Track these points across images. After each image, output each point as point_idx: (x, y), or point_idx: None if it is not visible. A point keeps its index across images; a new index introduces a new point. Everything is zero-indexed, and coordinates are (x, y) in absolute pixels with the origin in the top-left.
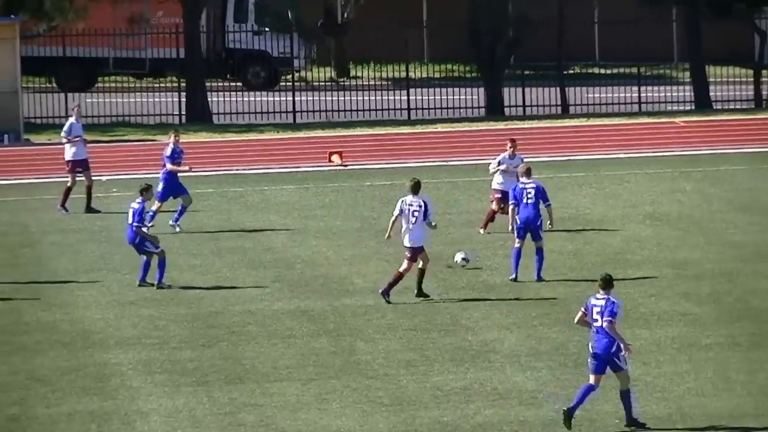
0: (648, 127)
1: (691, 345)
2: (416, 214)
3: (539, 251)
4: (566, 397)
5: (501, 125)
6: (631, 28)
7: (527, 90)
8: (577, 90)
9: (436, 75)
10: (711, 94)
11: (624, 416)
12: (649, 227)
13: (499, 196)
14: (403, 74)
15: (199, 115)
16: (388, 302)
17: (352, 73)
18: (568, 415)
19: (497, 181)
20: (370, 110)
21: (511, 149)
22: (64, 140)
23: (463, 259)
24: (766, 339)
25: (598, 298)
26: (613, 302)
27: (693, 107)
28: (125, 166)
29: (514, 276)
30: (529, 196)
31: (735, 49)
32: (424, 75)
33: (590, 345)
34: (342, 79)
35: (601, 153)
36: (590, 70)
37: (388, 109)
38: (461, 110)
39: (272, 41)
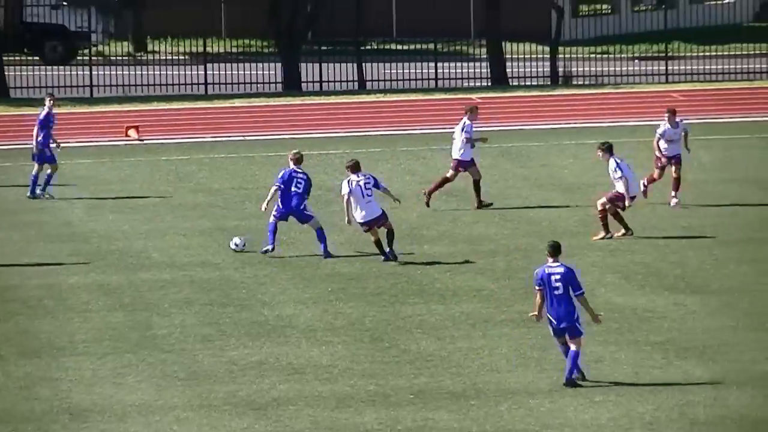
0: (445, 103)
1: (486, 321)
2: (368, 187)
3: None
4: (361, 372)
5: (298, 100)
6: (428, 4)
7: (324, 65)
8: (375, 66)
9: (234, 50)
10: (508, 70)
11: (565, 374)
12: (444, 202)
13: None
14: (201, 49)
15: None
16: (394, 259)
17: (150, 47)
18: (572, 384)
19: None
20: (167, 85)
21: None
22: None
23: (236, 245)
24: None
25: (551, 266)
26: (572, 270)
27: (490, 83)
28: None
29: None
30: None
31: (531, 26)
32: (222, 50)
33: (549, 314)
34: (139, 54)
35: (398, 129)
36: (388, 46)
37: (186, 84)
38: (258, 85)
39: (70, 15)
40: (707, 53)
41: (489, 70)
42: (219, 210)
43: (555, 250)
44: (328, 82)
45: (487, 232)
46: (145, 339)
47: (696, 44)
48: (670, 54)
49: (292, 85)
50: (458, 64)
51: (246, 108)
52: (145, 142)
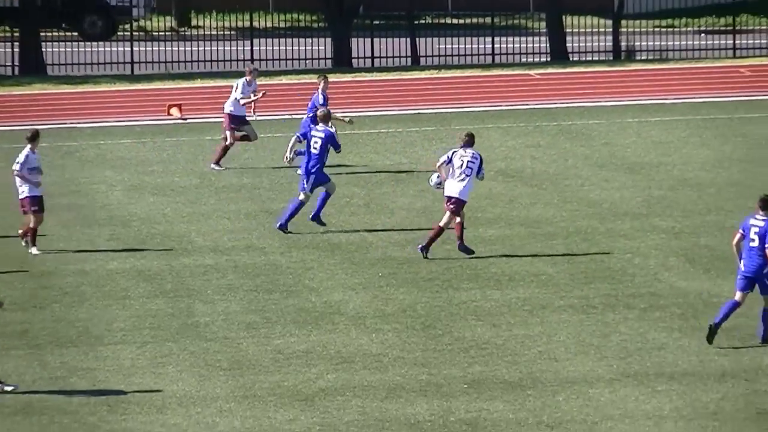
0: (502, 79)
1: (543, 307)
2: (471, 165)
3: None
4: (412, 361)
5: (348, 77)
6: None
7: (376, 41)
8: (429, 41)
9: (281, 24)
10: (568, 45)
11: (762, 333)
12: (501, 183)
13: None
14: (247, 24)
15: (32, 67)
16: (426, 257)
17: (194, 22)
18: (714, 330)
19: None
20: (212, 61)
21: None
22: None
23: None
24: (621, 300)
25: (757, 218)
26: None
27: (549, 59)
28: None
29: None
30: None
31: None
32: (269, 25)
33: (741, 263)
34: (183, 29)
35: (453, 106)
36: (442, 20)
37: (231, 60)
38: (307, 61)
39: None
40: None
41: (548, 45)
42: (264, 192)
43: (765, 203)
44: (380, 57)
45: (545, 214)
46: (186, 327)
47: (766, 17)
48: (738, 27)
49: (342, 61)
50: (516, 38)
51: (294, 85)
52: (188, 121)
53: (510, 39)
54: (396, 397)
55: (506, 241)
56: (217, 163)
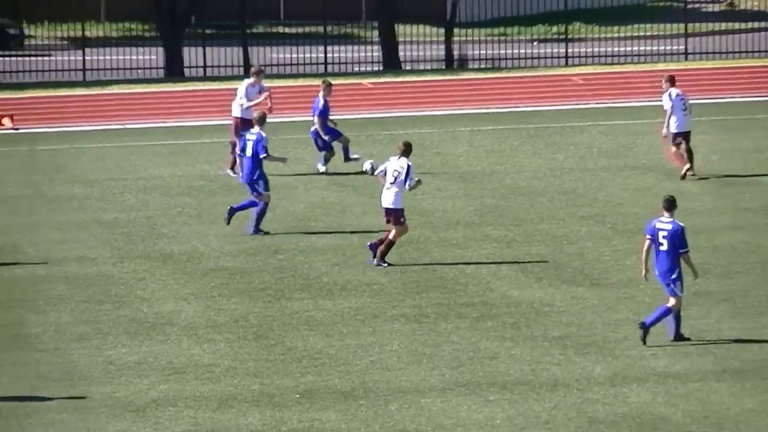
0: (335, 88)
1: (376, 316)
2: (396, 175)
3: None
4: (244, 371)
5: (180, 86)
6: None
7: (208, 50)
8: (261, 50)
9: (113, 34)
10: (400, 54)
11: (672, 332)
12: (334, 193)
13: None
14: (79, 33)
15: None
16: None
17: (25, 32)
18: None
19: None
20: (43, 71)
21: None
22: None
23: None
24: (453, 310)
25: (663, 221)
26: (681, 227)
27: (382, 68)
28: None
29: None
30: None
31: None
32: (101, 34)
33: (654, 269)
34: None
35: (284, 116)
36: (275, 29)
37: (63, 70)
38: (139, 71)
39: None
40: (608, 35)
41: (381, 54)
42: (96, 202)
43: (671, 205)
44: (213, 67)
45: (377, 223)
46: (17, 338)
47: (597, 25)
48: (570, 36)
49: (174, 71)
50: (349, 47)
51: (126, 95)
52: (19, 131)
53: (343, 48)
54: (228, 407)
55: (338, 250)
56: (232, 168)
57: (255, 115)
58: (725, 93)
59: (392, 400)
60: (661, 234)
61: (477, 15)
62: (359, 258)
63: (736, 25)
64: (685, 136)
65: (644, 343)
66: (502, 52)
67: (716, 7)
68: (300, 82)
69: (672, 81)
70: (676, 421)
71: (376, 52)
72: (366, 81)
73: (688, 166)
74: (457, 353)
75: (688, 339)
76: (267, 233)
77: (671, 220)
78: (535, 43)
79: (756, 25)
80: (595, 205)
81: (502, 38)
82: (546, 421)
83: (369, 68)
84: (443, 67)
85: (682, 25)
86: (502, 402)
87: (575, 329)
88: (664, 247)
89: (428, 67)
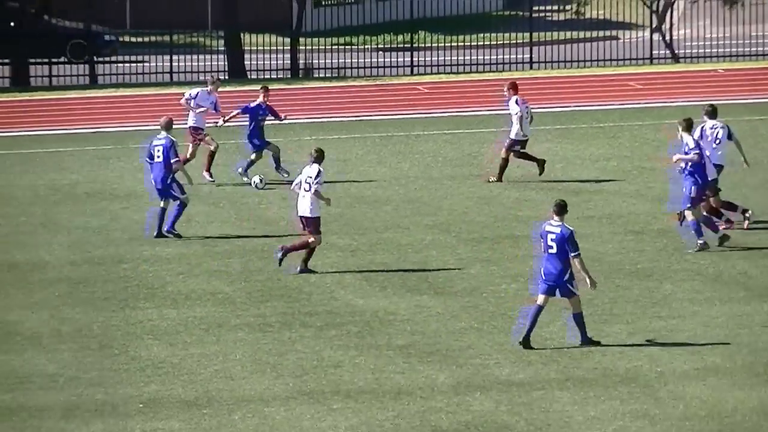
0: (180, 97)
1: (220, 325)
2: (309, 181)
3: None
4: (88, 381)
5: (25, 96)
6: None
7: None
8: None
9: None
10: (246, 63)
11: (580, 337)
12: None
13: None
14: None
15: None
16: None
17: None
18: (526, 339)
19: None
20: None
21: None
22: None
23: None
24: (297, 319)
25: (552, 225)
26: (570, 231)
27: (227, 77)
28: None
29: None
30: None
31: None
32: None
33: (542, 270)
34: None
35: (130, 125)
36: (121, 39)
37: None
38: None
39: None
40: (454, 44)
41: (227, 63)
42: None
43: (561, 209)
44: (59, 77)
45: (222, 232)
46: None
47: (443, 34)
48: (415, 45)
49: (19, 81)
50: (195, 57)
51: None
52: None
53: (189, 57)
54: (72, 416)
55: (183, 259)
56: (208, 171)
57: (162, 120)
58: (570, 101)
59: (236, 409)
60: (549, 237)
61: (322, 24)
62: (204, 267)
63: (582, 34)
64: (522, 144)
65: (526, 348)
66: (348, 60)
67: (561, 16)
68: (145, 91)
69: (515, 88)
70: (519, 429)
71: (222, 61)
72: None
73: (494, 178)
74: (301, 362)
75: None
76: (180, 236)
77: (560, 223)
78: (380, 52)
79: (601, 33)
80: (439, 213)
81: (348, 47)
82: (389, 430)
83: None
84: (289, 75)
85: (527, 34)
86: (345, 411)
87: (419, 338)
88: (553, 250)
89: (274, 76)
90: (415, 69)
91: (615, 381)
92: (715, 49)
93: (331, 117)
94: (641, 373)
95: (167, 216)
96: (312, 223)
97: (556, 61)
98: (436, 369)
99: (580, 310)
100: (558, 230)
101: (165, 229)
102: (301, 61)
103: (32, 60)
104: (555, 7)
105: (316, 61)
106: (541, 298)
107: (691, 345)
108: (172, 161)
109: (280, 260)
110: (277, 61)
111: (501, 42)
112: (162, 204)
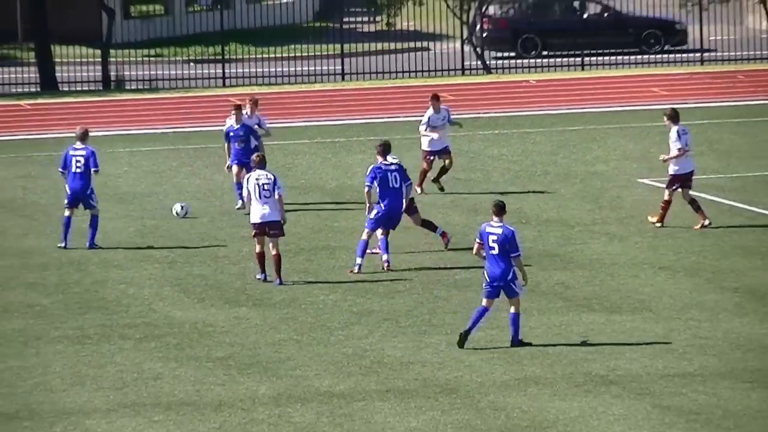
0: None
1: (38, 338)
2: (269, 188)
3: None
4: None
5: None
6: None
7: None
8: None
9: None
10: (57, 74)
11: (511, 337)
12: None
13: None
14: None
15: None
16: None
17: None
18: (465, 336)
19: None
20: None
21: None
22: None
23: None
24: (116, 331)
25: (493, 226)
26: (512, 231)
27: (39, 89)
28: None
29: None
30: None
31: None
32: None
33: (485, 273)
34: None
35: None
36: None
37: None
38: None
39: None
40: (266, 55)
41: (38, 75)
42: None
43: (500, 210)
44: None
45: (38, 245)
46: None
47: (254, 46)
48: (226, 56)
49: None
50: (6, 69)
51: None
52: None
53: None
54: None
55: (2, 272)
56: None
57: (78, 131)
58: (381, 113)
59: (57, 422)
60: (491, 238)
61: (133, 35)
62: (21, 279)
63: (393, 46)
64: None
65: (461, 347)
66: (159, 72)
67: (372, 27)
68: None
69: (437, 98)
70: None
71: (33, 73)
72: (24, 102)
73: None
74: (121, 374)
75: (529, 344)
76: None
77: (501, 224)
78: (191, 64)
79: (412, 45)
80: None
81: (159, 59)
82: None
83: (26, 89)
84: (101, 87)
85: (338, 45)
86: (167, 423)
87: (239, 349)
88: (495, 251)
89: (85, 88)
90: (227, 81)
91: (436, 392)
92: (526, 60)
93: (143, 129)
94: (462, 383)
95: (86, 233)
96: (278, 226)
97: (367, 72)
98: (257, 380)
99: (519, 310)
100: (500, 231)
101: (87, 245)
102: (113, 73)
103: None
104: (366, 19)
105: (128, 73)
106: (485, 301)
107: (510, 355)
108: (93, 170)
109: (265, 278)
110: (88, 72)
111: (312, 54)
112: (67, 213)
